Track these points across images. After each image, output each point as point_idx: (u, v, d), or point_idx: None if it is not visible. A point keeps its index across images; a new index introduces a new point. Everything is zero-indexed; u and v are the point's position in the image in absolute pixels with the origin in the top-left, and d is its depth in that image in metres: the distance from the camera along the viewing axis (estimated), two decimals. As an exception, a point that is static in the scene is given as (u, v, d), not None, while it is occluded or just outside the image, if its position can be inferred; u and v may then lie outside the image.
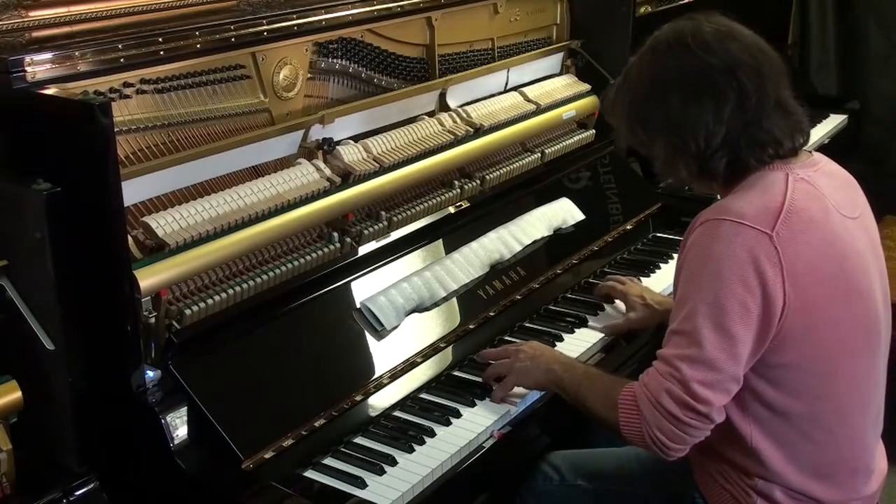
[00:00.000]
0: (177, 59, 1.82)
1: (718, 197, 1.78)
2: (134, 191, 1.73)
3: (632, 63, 1.76)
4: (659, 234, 2.76)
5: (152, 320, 1.69)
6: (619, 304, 2.29)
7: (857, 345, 1.69)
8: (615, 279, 2.33)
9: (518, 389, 1.91)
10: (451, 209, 2.34)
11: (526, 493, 1.94)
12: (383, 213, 2.20)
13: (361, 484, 1.66)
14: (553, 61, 2.91)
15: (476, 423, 1.84)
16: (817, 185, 1.68)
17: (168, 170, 1.80)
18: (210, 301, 1.78)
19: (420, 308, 2.07)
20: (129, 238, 1.68)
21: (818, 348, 1.64)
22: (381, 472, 1.70)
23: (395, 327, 2.00)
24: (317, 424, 1.77)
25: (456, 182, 2.43)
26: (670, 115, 1.67)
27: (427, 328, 2.07)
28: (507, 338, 2.17)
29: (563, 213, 2.53)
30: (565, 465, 1.92)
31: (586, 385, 1.79)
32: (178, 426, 1.64)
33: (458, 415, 1.86)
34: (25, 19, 1.85)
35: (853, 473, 1.74)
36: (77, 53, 1.64)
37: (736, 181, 1.70)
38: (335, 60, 2.20)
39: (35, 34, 1.81)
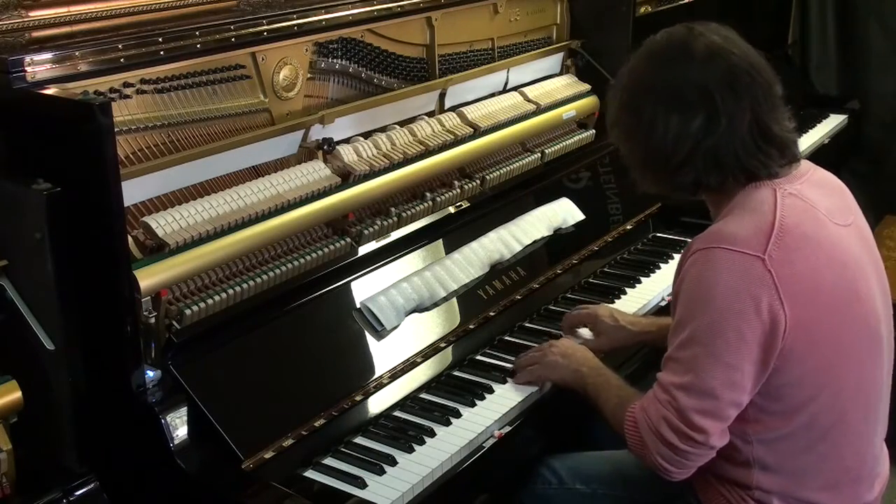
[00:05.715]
0: (177, 59, 1.82)
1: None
2: (134, 191, 1.73)
3: (625, 65, 1.75)
4: (659, 234, 2.76)
5: (152, 320, 1.69)
6: (585, 331, 2.15)
7: (860, 352, 1.67)
8: (578, 309, 2.19)
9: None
10: (451, 209, 2.34)
11: (525, 497, 1.93)
12: (383, 213, 2.20)
13: (361, 484, 1.66)
14: (553, 61, 2.91)
15: (476, 423, 1.84)
16: (807, 198, 1.66)
17: (168, 170, 1.80)
18: (210, 301, 1.78)
19: (420, 308, 2.07)
20: (129, 238, 1.68)
21: (820, 361, 1.62)
22: (381, 472, 1.70)
23: (395, 327, 2.00)
24: (317, 424, 1.77)
25: (456, 182, 2.43)
26: (641, 124, 1.66)
27: (427, 328, 2.07)
28: (507, 338, 2.17)
29: (563, 213, 2.53)
30: (564, 468, 1.92)
31: (604, 396, 1.81)
32: (178, 426, 1.64)
33: (458, 415, 1.86)
34: (25, 19, 1.85)
35: (857, 482, 1.72)
36: (77, 53, 1.64)
37: (723, 196, 1.69)
38: (335, 60, 2.20)
39: (35, 34, 1.81)
